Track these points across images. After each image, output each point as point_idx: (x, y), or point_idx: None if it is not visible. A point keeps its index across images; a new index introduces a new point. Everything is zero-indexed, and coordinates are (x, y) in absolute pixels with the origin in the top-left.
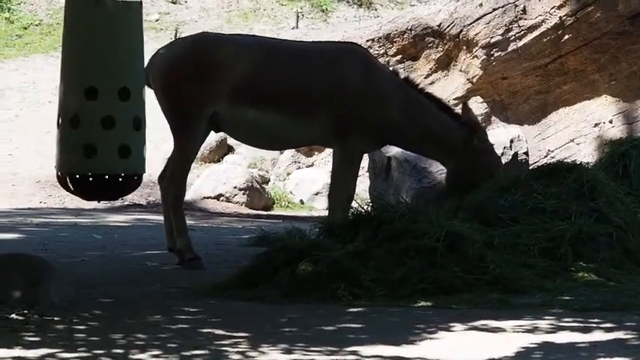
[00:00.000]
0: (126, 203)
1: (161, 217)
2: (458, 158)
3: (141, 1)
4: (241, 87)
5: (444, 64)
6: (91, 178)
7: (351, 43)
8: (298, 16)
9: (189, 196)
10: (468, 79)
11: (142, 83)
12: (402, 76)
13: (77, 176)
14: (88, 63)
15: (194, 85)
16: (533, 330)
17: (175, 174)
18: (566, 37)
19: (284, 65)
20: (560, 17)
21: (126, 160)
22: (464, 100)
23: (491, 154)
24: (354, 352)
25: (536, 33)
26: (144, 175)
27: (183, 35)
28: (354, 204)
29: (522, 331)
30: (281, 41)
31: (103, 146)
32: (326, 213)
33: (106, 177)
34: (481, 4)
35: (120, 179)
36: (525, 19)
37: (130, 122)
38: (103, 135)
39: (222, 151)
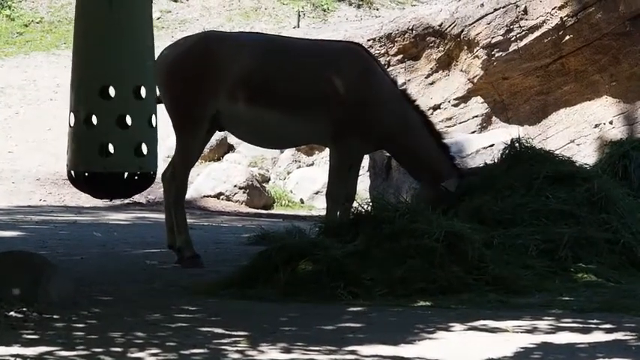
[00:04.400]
0: (126, 201)
1: (161, 216)
2: (429, 181)
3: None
4: (241, 84)
5: (445, 64)
6: (106, 177)
7: (353, 43)
8: (299, 16)
9: (189, 194)
10: (468, 79)
11: (154, 81)
12: (400, 88)
13: (91, 175)
14: (101, 62)
15: (195, 85)
16: (532, 330)
17: (178, 172)
18: (567, 37)
19: (283, 63)
20: (561, 18)
21: (141, 158)
22: (464, 99)
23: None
24: (353, 352)
25: (537, 33)
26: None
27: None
28: (354, 203)
29: (522, 332)
30: (282, 38)
31: (119, 145)
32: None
33: (123, 175)
34: (482, 5)
35: (135, 177)
36: (526, 19)
37: (145, 120)
38: (118, 134)
39: (223, 149)
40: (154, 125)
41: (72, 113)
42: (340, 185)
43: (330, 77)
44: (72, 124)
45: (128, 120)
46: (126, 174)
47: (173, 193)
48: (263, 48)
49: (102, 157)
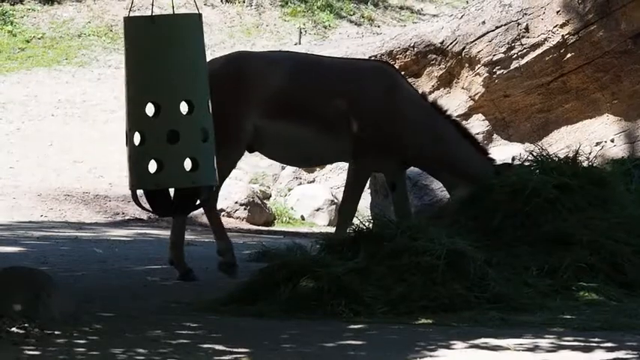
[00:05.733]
0: (127, 217)
1: (162, 232)
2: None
3: (200, 14)
4: (270, 103)
5: (446, 81)
6: (162, 193)
7: (380, 61)
8: (301, 32)
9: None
10: (470, 97)
11: (206, 95)
12: (430, 101)
13: (149, 192)
14: (149, 79)
15: (227, 103)
16: (534, 348)
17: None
18: (569, 55)
19: (310, 81)
20: (562, 36)
21: (194, 172)
22: (465, 116)
23: None
24: None
25: (538, 51)
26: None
27: None
28: (355, 220)
29: (523, 350)
30: (310, 56)
31: (170, 160)
32: (327, 229)
33: (182, 191)
34: (484, 22)
35: (189, 193)
36: (528, 37)
37: (197, 135)
38: (169, 149)
39: None
40: (208, 139)
41: (127, 132)
42: (354, 202)
43: (355, 95)
44: (126, 143)
45: (178, 135)
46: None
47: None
48: (291, 66)
49: (154, 173)
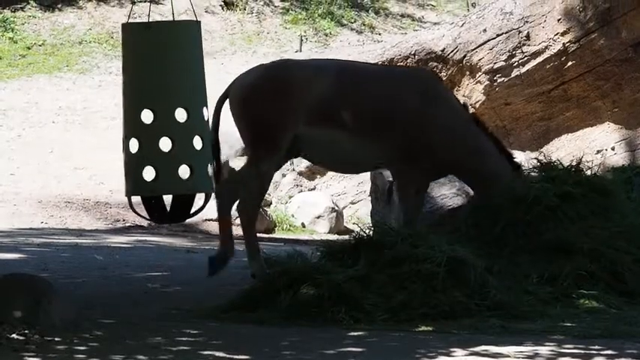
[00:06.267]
0: (127, 224)
1: (162, 239)
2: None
3: (198, 21)
4: (314, 109)
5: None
6: (154, 201)
7: (422, 69)
8: (302, 40)
9: (191, 218)
10: (470, 105)
11: (203, 103)
12: (470, 112)
13: (146, 199)
14: (146, 85)
15: (271, 110)
16: (534, 356)
17: (250, 199)
18: (570, 63)
19: (352, 88)
20: (563, 44)
21: (189, 180)
22: None
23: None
24: None
25: (539, 59)
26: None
27: None
28: (355, 228)
29: (523, 357)
30: (353, 63)
31: (165, 168)
32: (327, 237)
33: (179, 198)
34: (485, 30)
35: (185, 200)
36: (529, 45)
37: (190, 142)
38: (164, 156)
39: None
40: (202, 146)
41: (123, 139)
42: (413, 212)
43: (395, 102)
44: (123, 150)
45: (172, 142)
46: (180, 198)
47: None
48: (334, 73)
49: (150, 181)
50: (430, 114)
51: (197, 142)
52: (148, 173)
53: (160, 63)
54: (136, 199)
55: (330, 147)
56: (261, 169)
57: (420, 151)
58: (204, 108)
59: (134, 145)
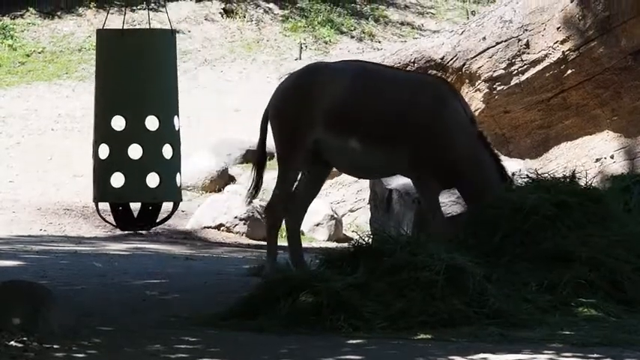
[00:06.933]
0: (126, 232)
1: (161, 247)
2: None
3: (173, 30)
4: (333, 114)
5: None
6: (120, 207)
7: (438, 77)
8: (301, 48)
9: (189, 225)
10: None
11: (174, 112)
12: (478, 129)
13: (113, 205)
14: (116, 93)
15: (294, 116)
16: None
17: (276, 204)
18: (569, 71)
19: (368, 92)
20: (563, 52)
21: (157, 189)
22: None
23: None
24: None
25: (539, 67)
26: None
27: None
28: (354, 236)
29: None
30: (374, 67)
31: (133, 175)
32: (326, 244)
33: (149, 206)
34: (484, 38)
35: (151, 208)
36: (528, 53)
37: (159, 151)
38: (132, 164)
39: (224, 180)
40: (172, 155)
41: (93, 145)
42: (440, 217)
43: (407, 109)
44: (92, 156)
45: (141, 150)
46: (149, 206)
47: (266, 223)
48: (353, 77)
49: (117, 188)
50: (438, 122)
51: (167, 151)
52: (117, 180)
53: (132, 70)
54: (104, 204)
55: (349, 153)
56: (285, 172)
57: (427, 160)
58: (176, 117)
59: (104, 151)
